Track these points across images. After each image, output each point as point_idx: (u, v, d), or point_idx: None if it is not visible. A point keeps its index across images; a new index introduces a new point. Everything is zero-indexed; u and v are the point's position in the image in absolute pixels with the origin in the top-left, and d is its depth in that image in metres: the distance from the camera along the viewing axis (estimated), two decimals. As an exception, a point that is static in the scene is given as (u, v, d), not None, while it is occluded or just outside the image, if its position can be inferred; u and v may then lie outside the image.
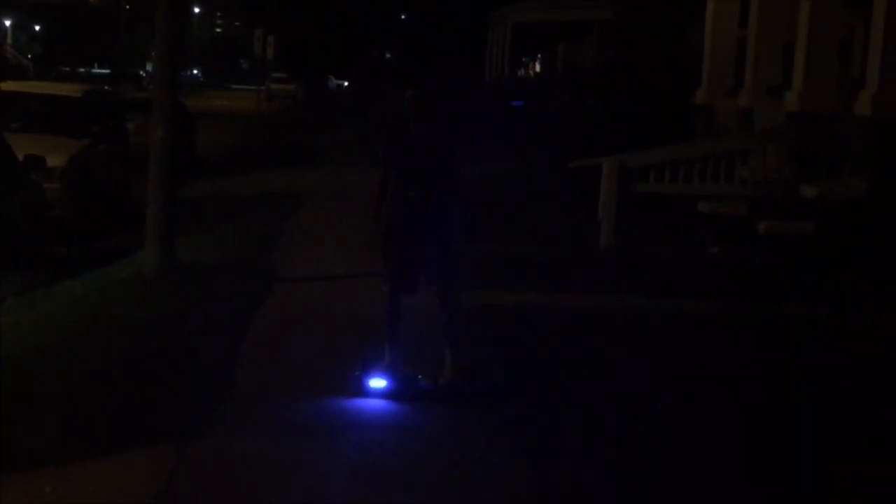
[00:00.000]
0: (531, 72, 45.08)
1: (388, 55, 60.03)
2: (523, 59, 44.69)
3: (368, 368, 7.03)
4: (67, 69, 62.98)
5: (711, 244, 12.81)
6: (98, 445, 5.94)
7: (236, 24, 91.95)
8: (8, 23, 73.20)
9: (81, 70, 66.36)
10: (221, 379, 7.26)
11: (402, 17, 57.79)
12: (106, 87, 21.51)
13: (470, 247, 12.51)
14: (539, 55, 43.32)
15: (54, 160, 13.20)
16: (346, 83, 67.87)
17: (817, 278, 11.06)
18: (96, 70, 69.84)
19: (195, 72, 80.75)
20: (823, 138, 12.91)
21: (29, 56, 68.35)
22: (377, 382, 6.96)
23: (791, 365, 8.29)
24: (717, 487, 5.87)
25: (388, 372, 7.03)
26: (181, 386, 7.02)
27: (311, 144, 28.30)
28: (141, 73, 57.09)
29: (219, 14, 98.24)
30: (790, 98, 14.05)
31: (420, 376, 7.15)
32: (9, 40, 72.05)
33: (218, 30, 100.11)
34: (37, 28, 77.52)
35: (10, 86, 17.15)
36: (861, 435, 6.78)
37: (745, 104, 16.06)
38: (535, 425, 6.59)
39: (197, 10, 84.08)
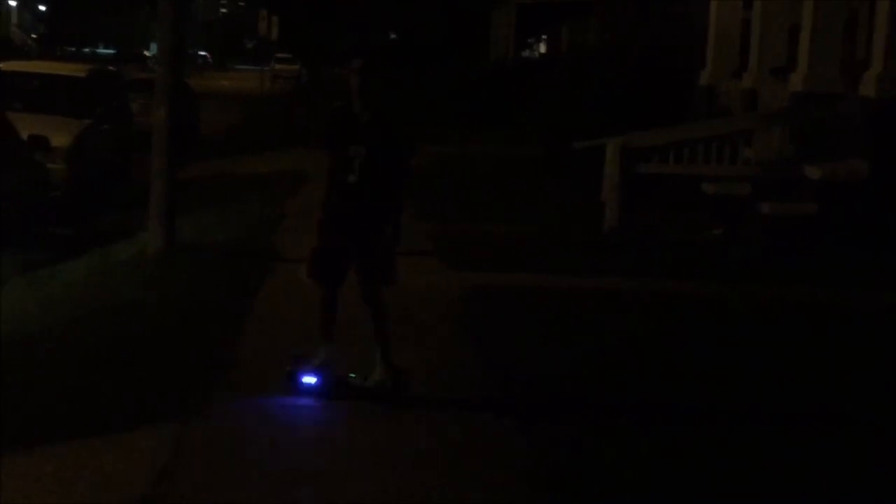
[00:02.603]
0: (536, 53, 44.96)
1: (392, 36, 59.85)
2: (528, 40, 44.57)
3: (301, 365, 6.65)
4: (72, 49, 62.92)
5: (715, 225, 12.79)
6: (100, 424, 5.96)
7: (240, 3, 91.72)
8: (13, 3, 73.02)
9: (86, 50, 66.29)
10: (223, 359, 7.27)
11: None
12: (110, 68, 21.47)
13: (471, 227, 12.70)
14: (544, 36, 43.20)
15: (58, 140, 13.23)
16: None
17: (820, 259, 11.04)
18: (101, 50, 69.75)
19: (202, 53, 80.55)
20: (828, 119, 12.88)
21: (34, 36, 68.29)
22: (308, 380, 6.61)
23: (792, 347, 8.29)
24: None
25: (321, 370, 6.64)
26: (184, 365, 7.04)
27: (314, 126, 28.26)
28: (145, 53, 57.02)
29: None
30: (794, 79, 14.01)
31: (352, 375, 6.71)
32: (14, 21, 71.93)
33: (223, 10, 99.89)
34: (42, 8, 77.40)
35: (14, 66, 17.16)
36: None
37: (750, 85, 16.01)
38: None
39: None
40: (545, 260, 10.97)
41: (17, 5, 73.44)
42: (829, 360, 7.92)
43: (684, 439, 6.22)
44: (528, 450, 5.96)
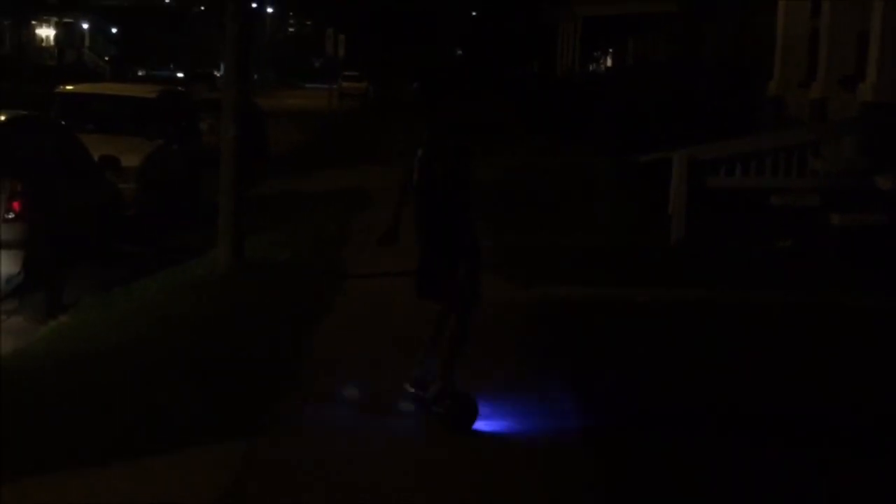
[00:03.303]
0: (602, 66, 44.86)
1: (459, 52, 60.05)
2: (594, 53, 44.53)
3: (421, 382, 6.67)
4: (143, 73, 63.83)
5: (784, 237, 12.67)
6: (169, 440, 6.03)
7: (307, 23, 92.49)
8: (85, 26, 74.37)
9: (161, 74, 67.17)
10: (293, 376, 7.33)
11: (473, 13, 57.82)
12: (179, 88, 21.76)
13: (536, 239, 12.68)
14: (610, 49, 43.13)
15: (129, 161, 13.43)
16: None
17: (891, 270, 10.89)
18: (170, 72, 70.73)
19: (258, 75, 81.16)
20: (898, 129, 12.71)
21: (106, 58, 69.41)
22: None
23: (865, 357, 8.19)
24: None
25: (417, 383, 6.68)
26: (252, 383, 7.09)
27: (381, 143, 28.41)
28: (215, 73, 57.68)
29: (291, 14, 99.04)
30: (864, 89, 13.84)
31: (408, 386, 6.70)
32: (86, 43, 73.22)
33: (291, 29, 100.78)
34: (113, 31, 78.67)
35: (86, 88, 17.46)
36: None
37: (818, 95, 15.85)
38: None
39: (270, 10, 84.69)
40: (612, 272, 10.91)
41: (90, 28, 74.77)
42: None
43: (763, 453, 6.16)
44: (599, 467, 5.94)
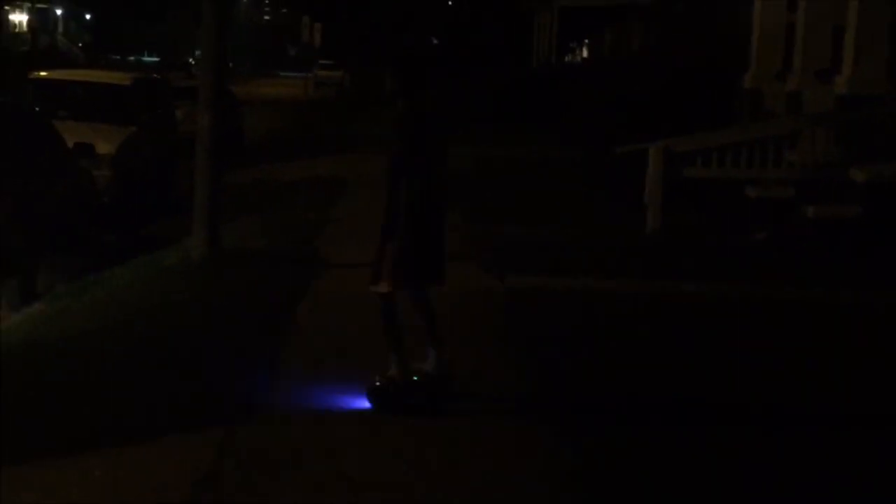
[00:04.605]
0: (579, 57, 44.85)
1: (434, 41, 59.96)
2: (571, 44, 44.48)
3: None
4: (118, 57, 63.47)
5: (759, 229, 12.73)
6: (145, 429, 6.00)
7: (283, 10, 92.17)
8: (59, 12, 73.83)
9: (131, 58, 66.88)
10: (269, 364, 7.31)
11: (450, 2, 57.80)
12: (154, 75, 21.65)
13: (512, 230, 12.70)
14: (586, 40, 43.11)
15: (103, 148, 13.38)
16: None
17: (864, 262, 10.96)
18: (146, 58, 70.35)
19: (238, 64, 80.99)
20: (873, 122, 12.78)
21: (79, 45, 68.95)
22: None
23: (838, 350, 8.24)
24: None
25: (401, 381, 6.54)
26: (229, 370, 7.07)
27: (357, 132, 28.37)
28: (190, 60, 57.37)
29: (267, 1, 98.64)
30: (839, 82, 13.92)
31: (415, 377, 6.60)
32: (59, 29, 72.69)
33: (266, 17, 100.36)
34: (87, 17, 78.10)
35: (60, 74, 17.34)
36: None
37: (794, 88, 15.92)
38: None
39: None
40: (587, 263, 10.92)
41: (63, 14, 74.24)
42: (875, 364, 7.87)
43: (730, 442, 6.19)
44: (570, 455, 5.95)
